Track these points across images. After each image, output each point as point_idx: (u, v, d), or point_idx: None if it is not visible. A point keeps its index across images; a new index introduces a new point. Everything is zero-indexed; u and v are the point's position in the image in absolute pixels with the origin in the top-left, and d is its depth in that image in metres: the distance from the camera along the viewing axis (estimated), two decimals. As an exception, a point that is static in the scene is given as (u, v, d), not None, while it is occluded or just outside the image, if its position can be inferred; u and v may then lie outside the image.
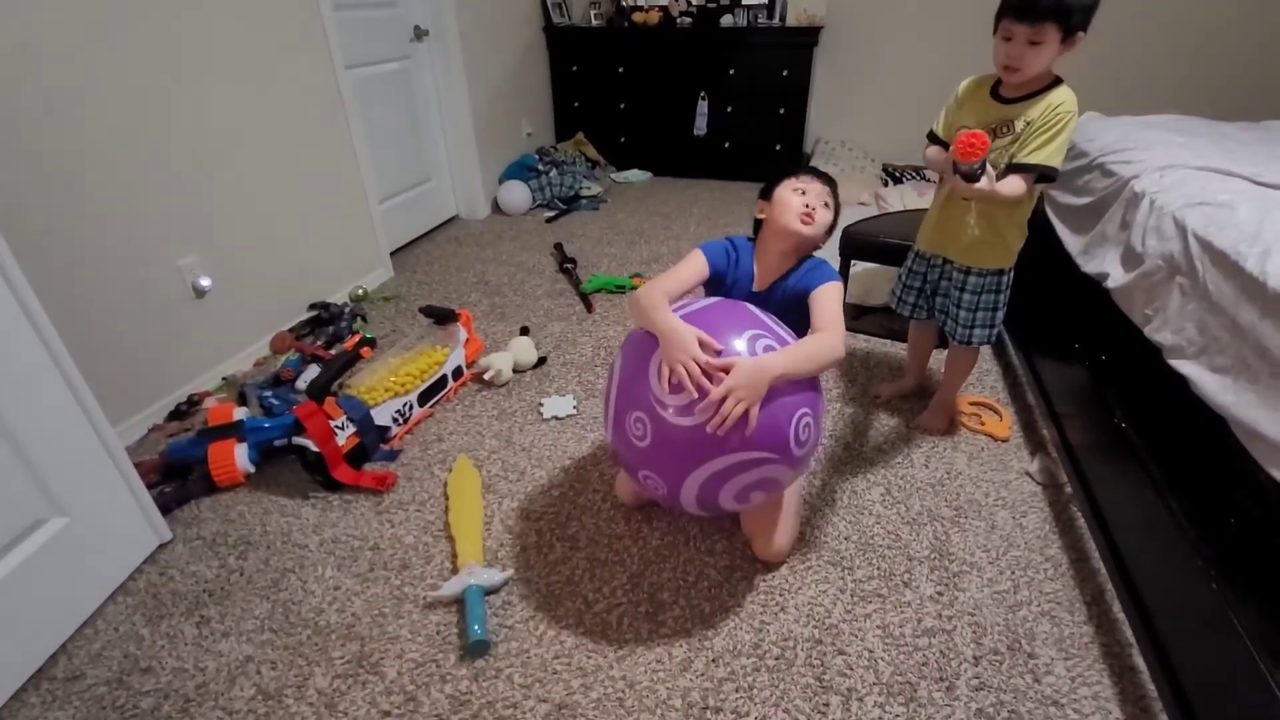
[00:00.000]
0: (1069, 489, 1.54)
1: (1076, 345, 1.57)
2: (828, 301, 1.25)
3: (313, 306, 2.41)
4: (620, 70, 3.86)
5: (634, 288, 2.63)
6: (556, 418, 1.86)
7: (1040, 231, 1.95)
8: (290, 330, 2.29)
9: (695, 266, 1.34)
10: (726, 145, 3.90)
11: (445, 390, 1.95)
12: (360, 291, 2.61)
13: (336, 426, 1.59)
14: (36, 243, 1.53)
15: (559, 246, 2.97)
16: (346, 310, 2.39)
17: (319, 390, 1.56)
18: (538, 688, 1.15)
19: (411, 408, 1.82)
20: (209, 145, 1.95)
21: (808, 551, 1.41)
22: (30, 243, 1.51)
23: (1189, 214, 1.30)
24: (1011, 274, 1.50)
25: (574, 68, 3.93)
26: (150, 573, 1.40)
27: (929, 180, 3.52)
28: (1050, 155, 1.28)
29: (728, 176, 3.96)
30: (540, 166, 3.70)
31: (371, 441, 1.67)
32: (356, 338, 2.07)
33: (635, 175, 4.07)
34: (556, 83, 4.03)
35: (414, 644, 1.24)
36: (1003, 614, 1.27)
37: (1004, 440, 1.74)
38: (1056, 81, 1.31)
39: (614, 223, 3.37)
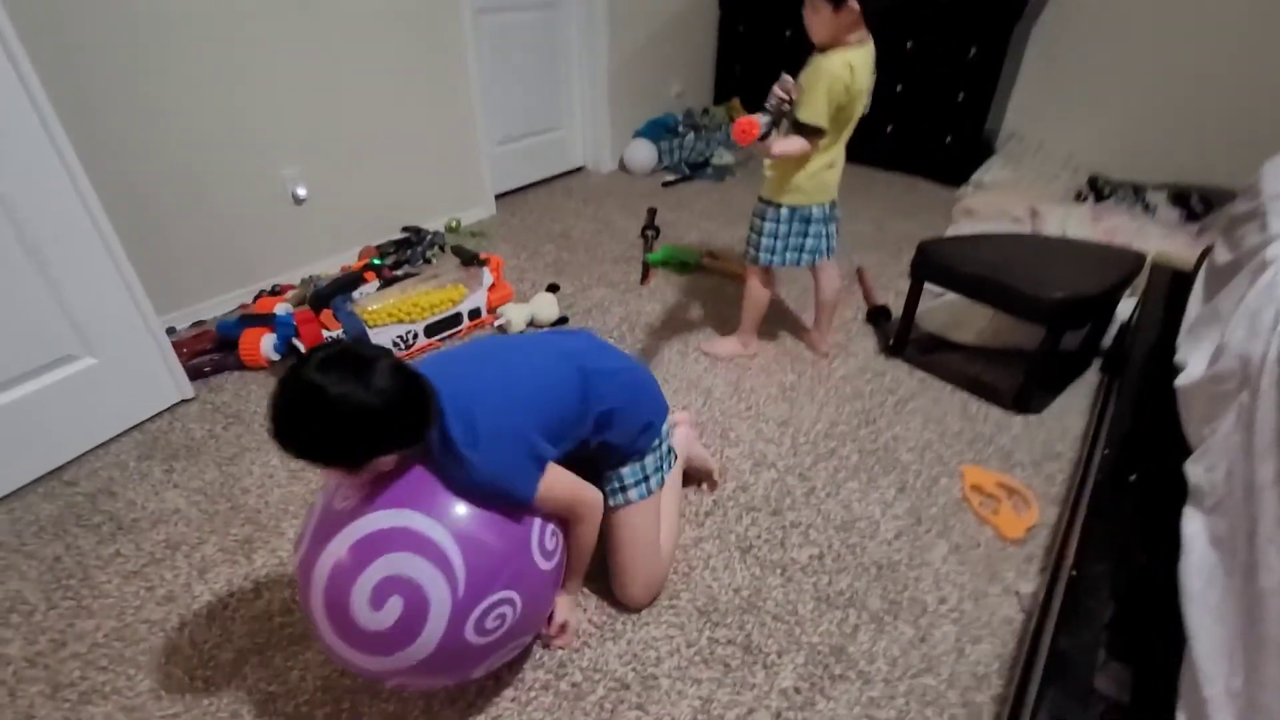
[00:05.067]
0: (1054, 631, 1.17)
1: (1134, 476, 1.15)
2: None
3: (405, 229, 2.64)
4: (787, 34, 3.54)
5: (700, 266, 2.48)
6: (540, 380, 1.85)
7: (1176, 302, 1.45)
8: (378, 247, 2.54)
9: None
10: (889, 129, 3.42)
11: (458, 328, 2.04)
12: (454, 223, 2.80)
13: (330, 337, 1.75)
14: (166, 126, 1.87)
15: (652, 211, 2.89)
16: (428, 238, 2.59)
17: (318, 300, 1.73)
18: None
19: (416, 336, 1.93)
20: (324, 66, 2.19)
21: (680, 590, 1.26)
22: (159, 127, 1.85)
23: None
24: (778, 210, 1.70)
25: (740, 29, 3.70)
26: (164, 420, 1.70)
27: (1149, 208, 2.76)
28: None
29: (883, 165, 3.49)
30: (680, 128, 3.59)
31: (363, 359, 1.82)
32: (365, 260, 2.22)
33: (783, 151, 3.77)
34: (722, 43, 3.83)
35: (287, 545, 1.35)
36: (858, 744, 1.03)
37: (1014, 541, 1.37)
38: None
39: (728, 199, 3.18)
